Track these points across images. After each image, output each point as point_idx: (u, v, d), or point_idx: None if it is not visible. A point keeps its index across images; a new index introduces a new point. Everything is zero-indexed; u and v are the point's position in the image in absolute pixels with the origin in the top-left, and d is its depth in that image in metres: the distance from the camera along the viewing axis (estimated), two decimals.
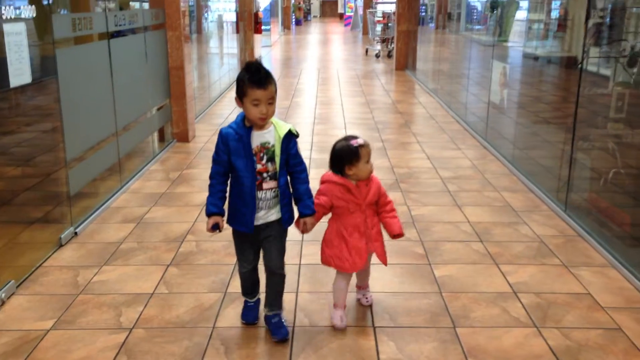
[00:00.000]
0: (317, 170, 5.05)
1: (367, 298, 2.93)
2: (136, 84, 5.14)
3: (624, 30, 3.90)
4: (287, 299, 2.88)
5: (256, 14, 13.64)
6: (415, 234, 3.76)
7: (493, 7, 6.75)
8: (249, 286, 2.74)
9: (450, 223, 3.98)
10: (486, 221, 4.01)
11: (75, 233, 3.76)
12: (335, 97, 9.26)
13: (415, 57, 12.06)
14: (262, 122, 2.45)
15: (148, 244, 3.65)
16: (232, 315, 2.82)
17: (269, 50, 17.33)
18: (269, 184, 2.49)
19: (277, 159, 2.47)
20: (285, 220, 2.56)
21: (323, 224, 2.77)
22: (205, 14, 8.74)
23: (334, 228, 2.70)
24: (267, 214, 2.52)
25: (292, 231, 2.67)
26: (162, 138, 6.13)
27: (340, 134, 6.56)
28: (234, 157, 2.45)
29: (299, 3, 32.89)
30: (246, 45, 12.62)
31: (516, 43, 6.15)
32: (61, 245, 3.59)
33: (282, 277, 2.64)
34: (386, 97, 9.33)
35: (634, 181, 3.69)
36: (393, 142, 6.26)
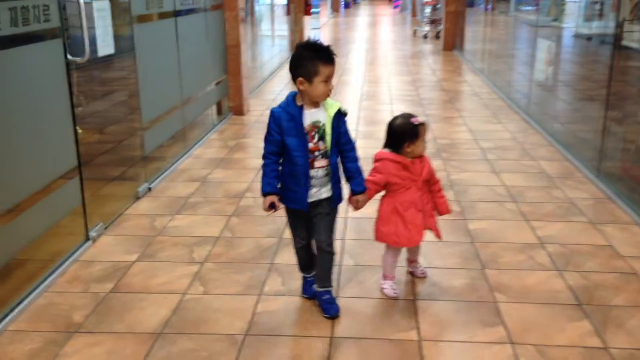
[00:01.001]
0: (364, 140, 5.40)
1: (421, 271, 3.00)
2: (198, 59, 5.61)
3: None
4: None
5: None
6: (452, 195, 4.09)
7: None
8: (306, 262, 2.78)
9: (487, 186, 4.29)
10: (521, 185, 4.30)
11: (149, 189, 4.26)
12: (383, 75, 9.56)
13: (463, 38, 12.18)
14: (324, 99, 2.48)
15: (212, 199, 4.12)
16: (287, 256, 3.23)
17: (318, 32, 17.66)
18: (320, 162, 2.51)
19: (328, 138, 2.48)
20: (336, 197, 2.59)
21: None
22: None
23: (389, 205, 2.75)
24: (319, 192, 2.55)
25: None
26: (219, 111, 6.60)
27: (386, 109, 6.92)
28: (286, 136, 2.46)
29: None
30: (296, 27, 13.00)
31: (564, 23, 6.32)
32: (138, 198, 4.10)
33: (331, 254, 2.66)
34: (432, 75, 9.56)
35: None
36: (436, 117, 6.55)
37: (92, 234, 3.42)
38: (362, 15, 27.45)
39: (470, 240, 3.41)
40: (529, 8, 8.00)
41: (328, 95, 2.48)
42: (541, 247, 3.31)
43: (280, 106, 2.51)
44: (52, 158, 3.08)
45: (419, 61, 11.38)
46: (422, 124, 2.69)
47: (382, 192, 2.79)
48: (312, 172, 2.51)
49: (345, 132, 2.57)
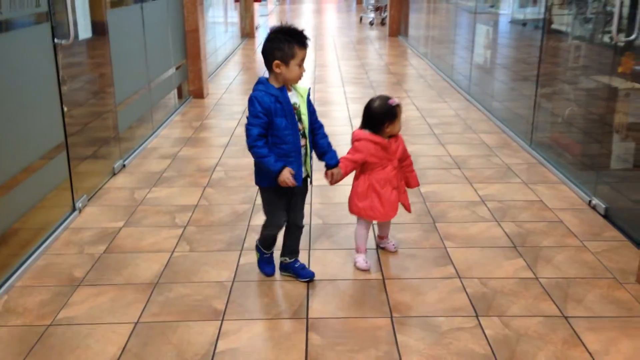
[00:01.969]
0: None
1: (392, 244, 3.17)
2: (161, 43, 5.84)
3: None
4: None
5: None
6: None
7: None
8: (272, 242, 2.91)
9: (435, 156, 4.77)
10: (464, 154, 4.80)
11: (124, 165, 4.52)
12: (332, 60, 9.96)
13: (407, 24, 12.71)
14: (298, 82, 2.61)
15: (185, 173, 4.42)
16: (262, 218, 3.59)
17: (266, 19, 17.89)
18: (301, 142, 2.64)
19: (305, 118, 2.62)
20: (311, 177, 2.77)
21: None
22: None
23: (366, 182, 2.89)
24: (301, 171, 2.66)
25: None
26: (180, 95, 6.85)
27: (338, 91, 7.34)
28: (275, 117, 2.53)
29: None
30: (247, 14, 13.21)
31: (499, 9, 6.87)
32: (114, 174, 4.36)
33: (302, 228, 2.87)
34: (380, 60, 10.04)
35: (584, 118, 4.47)
36: None
37: (78, 204, 3.69)
38: (308, 2, 27.73)
39: (422, 201, 3.87)
40: None
41: (300, 78, 2.59)
42: (482, 203, 3.80)
43: (260, 90, 2.55)
44: (42, 133, 3.33)
45: (366, 47, 11.84)
46: (398, 105, 2.83)
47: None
48: None
49: (314, 112, 2.74)
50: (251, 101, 2.56)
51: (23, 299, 2.74)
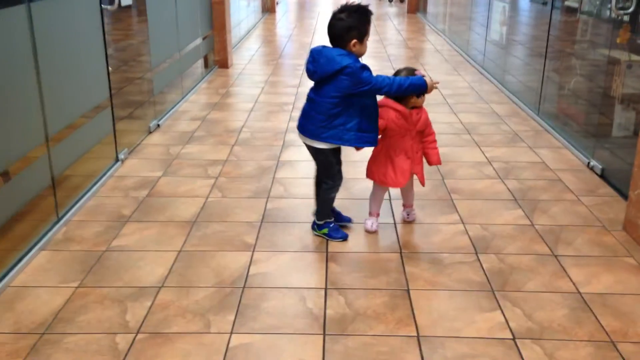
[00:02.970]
0: None
1: (410, 215, 3.28)
2: (190, 14, 6.18)
3: None
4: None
5: None
6: None
7: None
8: (331, 207, 3.11)
9: (447, 123, 5.09)
10: (475, 122, 5.11)
11: (158, 125, 4.90)
12: None
13: (426, 2, 12.88)
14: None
15: (214, 133, 4.79)
16: (286, 172, 3.96)
17: None
18: None
19: None
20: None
21: None
22: None
23: (383, 148, 3.01)
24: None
25: None
26: (206, 64, 7.20)
27: None
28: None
29: None
30: None
31: None
32: (150, 132, 4.74)
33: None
34: (398, 35, 10.29)
35: (587, 89, 4.74)
36: None
37: (121, 156, 4.08)
38: None
39: None
40: None
41: None
42: (489, 164, 4.12)
43: (354, 60, 2.74)
44: (92, 88, 3.71)
45: (385, 23, 12.06)
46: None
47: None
48: None
49: None
50: (364, 69, 2.73)
51: (80, 231, 3.15)
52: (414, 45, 9.28)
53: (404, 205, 3.31)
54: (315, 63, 2.81)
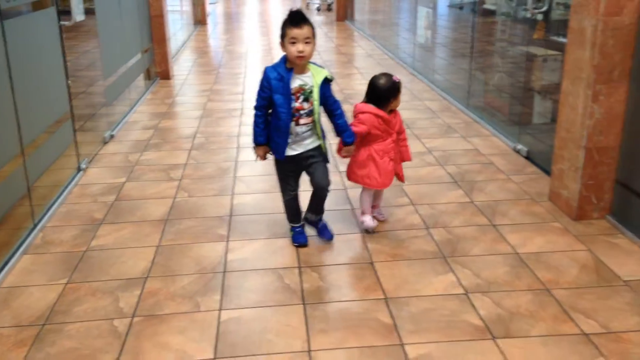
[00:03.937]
0: None
1: (382, 214, 3.41)
2: (133, 27, 6.32)
3: None
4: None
5: None
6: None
7: None
8: (295, 213, 3.12)
9: None
10: (413, 117, 5.55)
11: (112, 135, 5.04)
12: None
13: (353, 9, 13.42)
14: (300, 61, 2.73)
15: (169, 140, 4.98)
16: (246, 171, 4.22)
17: (215, 7, 18.25)
18: (305, 120, 2.84)
19: (316, 103, 2.81)
20: (324, 146, 2.96)
21: None
22: None
23: (366, 152, 3.10)
24: (307, 143, 2.90)
25: None
26: (148, 76, 7.32)
27: None
28: (274, 93, 2.76)
29: None
30: (198, 2, 13.61)
31: None
32: (105, 143, 4.87)
33: (327, 191, 3.01)
34: (329, 42, 10.72)
35: (509, 83, 5.28)
36: (340, 74, 7.71)
37: (82, 166, 4.21)
38: None
39: None
40: None
41: (301, 57, 2.72)
42: (429, 153, 4.55)
43: (273, 67, 2.81)
44: (53, 103, 3.84)
45: (316, 31, 12.47)
46: (399, 81, 3.08)
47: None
48: (297, 129, 2.85)
49: (331, 95, 2.91)
50: (263, 73, 2.84)
51: (57, 235, 3.29)
52: (346, 51, 9.73)
53: (373, 206, 3.36)
54: None
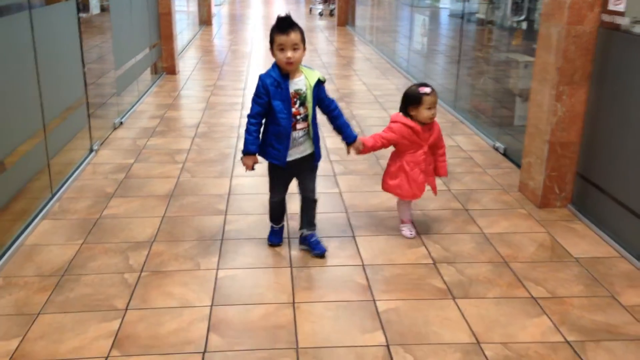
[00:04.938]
0: None
1: (410, 231, 3.32)
2: (142, 23, 6.70)
3: None
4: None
5: None
6: (355, 123, 5.62)
7: None
8: (277, 214, 3.17)
9: (378, 117, 5.88)
10: None
11: (121, 122, 5.41)
12: None
13: (354, 15, 13.83)
14: (290, 67, 2.72)
15: (174, 128, 5.35)
16: None
17: (220, 8, 18.67)
18: (301, 125, 2.84)
19: (310, 105, 2.81)
20: (317, 156, 2.94)
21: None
22: None
23: (397, 163, 3.19)
24: (302, 150, 2.90)
25: None
26: (155, 71, 7.70)
27: None
28: (273, 99, 2.75)
29: None
30: (204, 3, 14.01)
31: (440, 4, 8.06)
32: (115, 128, 5.24)
33: (316, 201, 3.08)
34: (330, 46, 11.11)
35: (492, 87, 5.66)
36: (338, 75, 8.09)
37: (94, 147, 4.57)
38: None
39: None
40: None
41: (289, 63, 2.71)
42: None
43: (268, 73, 2.79)
44: (71, 88, 4.21)
45: (317, 34, 12.88)
46: (427, 94, 3.03)
47: (392, 148, 3.25)
48: (294, 134, 2.84)
49: (326, 96, 2.91)
50: (259, 80, 2.81)
51: (72, 205, 3.65)
52: (345, 54, 10.12)
53: (404, 221, 3.35)
54: None
